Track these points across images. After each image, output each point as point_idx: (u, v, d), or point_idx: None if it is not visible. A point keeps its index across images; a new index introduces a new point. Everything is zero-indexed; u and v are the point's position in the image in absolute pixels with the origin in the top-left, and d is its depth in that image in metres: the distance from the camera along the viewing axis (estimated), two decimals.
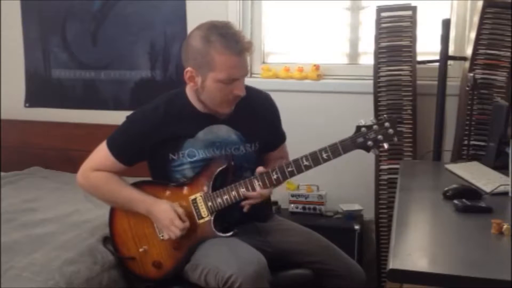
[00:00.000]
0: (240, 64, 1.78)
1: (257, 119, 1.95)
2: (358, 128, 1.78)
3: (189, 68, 1.81)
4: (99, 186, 1.93)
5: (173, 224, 1.81)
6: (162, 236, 1.88)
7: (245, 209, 1.84)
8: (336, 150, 1.77)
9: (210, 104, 1.86)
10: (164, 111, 1.88)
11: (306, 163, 1.79)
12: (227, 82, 1.78)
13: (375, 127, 1.77)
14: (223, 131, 1.90)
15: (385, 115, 1.80)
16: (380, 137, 1.76)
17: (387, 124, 1.76)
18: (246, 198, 1.83)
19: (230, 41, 1.74)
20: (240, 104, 1.87)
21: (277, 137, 2.06)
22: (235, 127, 1.91)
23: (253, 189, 1.82)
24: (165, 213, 1.83)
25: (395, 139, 1.78)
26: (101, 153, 1.92)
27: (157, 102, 1.92)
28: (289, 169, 1.80)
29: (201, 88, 1.83)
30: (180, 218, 1.82)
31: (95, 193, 1.99)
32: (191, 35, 1.82)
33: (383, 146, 1.78)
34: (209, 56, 1.76)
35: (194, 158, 1.89)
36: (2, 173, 2.93)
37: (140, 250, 1.91)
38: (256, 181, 1.82)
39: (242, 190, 1.82)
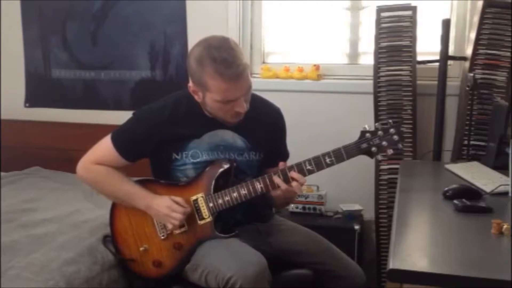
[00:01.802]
0: (235, 88, 1.74)
1: (265, 129, 1.94)
2: (362, 133, 1.76)
3: (190, 84, 1.82)
4: (100, 179, 1.93)
5: (173, 210, 1.81)
6: (163, 235, 1.88)
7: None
8: (340, 155, 1.76)
9: (216, 116, 1.86)
10: (171, 111, 1.88)
11: (309, 167, 1.78)
12: (224, 103, 1.77)
13: (379, 133, 1.75)
14: (229, 136, 1.90)
15: (390, 121, 1.79)
16: (384, 143, 1.75)
17: (392, 130, 1.75)
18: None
19: (221, 66, 1.70)
20: (250, 112, 1.85)
21: (280, 153, 2.03)
22: (241, 134, 1.91)
23: (255, 192, 1.81)
24: (162, 203, 1.83)
25: (400, 145, 1.77)
26: (105, 147, 1.92)
27: (165, 102, 1.91)
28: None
29: (203, 103, 1.83)
30: (179, 205, 1.82)
31: (95, 186, 1.99)
32: (191, 52, 1.80)
33: (387, 153, 1.77)
34: (203, 79, 1.75)
35: (197, 160, 1.89)
36: (2, 173, 2.92)
37: (141, 249, 1.91)
38: (258, 184, 1.81)
39: (244, 192, 1.82)
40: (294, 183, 1.77)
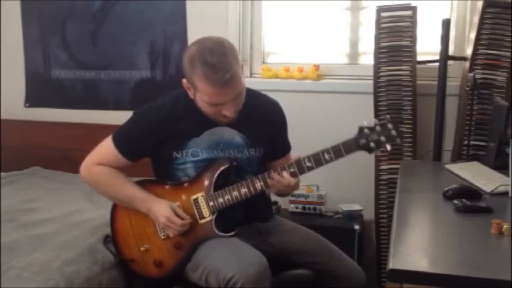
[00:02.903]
0: (221, 93, 1.73)
1: (264, 125, 1.94)
2: (361, 129, 1.77)
3: (184, 80, 1.82)
4: (101, 181, 1.93)
5: (171, 222, 1.82)
6: (163, 235, 1.89)
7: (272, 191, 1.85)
8: (339, 151, 1.76)
9: (207, 115, 1.86)
10: (170, 109, 1.88)
11: (308, 164, 1.78)
12: (212, 105, 1.78)
13: (377, 128, 1.75)
14: (227, 133, 1.90)
15: (387, 116, 1.79)
16: (382, 138, 1.75)
17: (389, 125, 1.75)
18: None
19: (210, 71, 1.69)
20: (248, 109, 1.86)
21: (281, 147, 2.04)
22: (240, 130, 1.91)
23: (255, 190, 1.81)
24: (162, 210, 1.83)
25: (398, 140, 1.77)
26: (106, 148, 1.92)
27: (165, 100, 1.92)
28: (291, 170, 1.79)
29: (195, 100, 1.83)
30: (178, 216, 1.82)
31: (96, 188, 1.99)
32: (186, 50, 1.80)
33: (385, 148, 1.77)
34: (193, 80, 1.76)
35: (197, 158, 1.89)
36: (2, 173, 2.93)
37: (141, 249, 1.92)
38: (258, 182, 1.81)
39: (244, 191, 1.82)
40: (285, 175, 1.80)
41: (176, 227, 1.82)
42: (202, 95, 1.76)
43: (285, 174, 1.79)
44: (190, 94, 1.83)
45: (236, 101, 1.78)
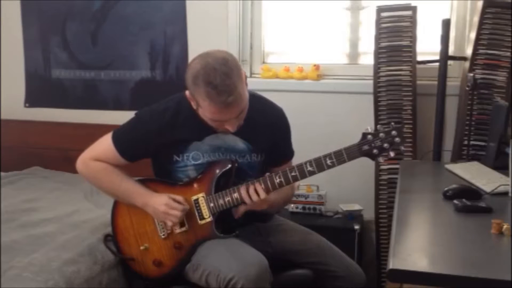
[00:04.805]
0: (224, 112, 1.72)
1: (266, 131, 1.94)
2: (364, 135, 1.76)
3: (187, 92, 1.80)
4: (98, 176, 1.93)
5: (170, 207, 1.82)
6: (163, 234, 1.88)
7: (236, 216, 1.84)
8: (341, 157, 1.76)
9: None
10: (173, 114, 1.87)
11: (310, 168, 1.78)
12: (214, 120, 1.77)
13: (381, 135, 1.75)
14: (230, 138, 1.90)
15: (392, 123, 1.78)
16: (386, 145, 1.75)
17: (393, 132, 1.74)
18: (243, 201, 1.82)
19: (213, 92, 1.68)
20: (252, 114, 1.85)
21: (284, 153, 2.03)
22: (243, 137, 1.91)
23: (255, 192, 1.81)
24: (159, 200, 1.84)
25: (402, 147, 1.76)
26: (105, 145, 1.92)
27: (168, 103, 1.91)
28: (293, 173, 1.79)
29: (197, 111, 1.82)
30: (177, 202, 1.82)
31: (94, 182, 1.99)
32: (190, 64, 1.77)
33: (388, 155, 1.77)
34: (196, 97, 1.74)
35: (199, 161, 1.89)
36: (2, 173, 2.92)
37: (141, 248, 1.92)
38: (258, 184, 1.81)
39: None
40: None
41: (176, 212, 1.81)
42: (205, 111, 1.75)
43: (258, 188, 1.79)
44: (193, 104, 1.81)
45: (238, 117, 1.78)
